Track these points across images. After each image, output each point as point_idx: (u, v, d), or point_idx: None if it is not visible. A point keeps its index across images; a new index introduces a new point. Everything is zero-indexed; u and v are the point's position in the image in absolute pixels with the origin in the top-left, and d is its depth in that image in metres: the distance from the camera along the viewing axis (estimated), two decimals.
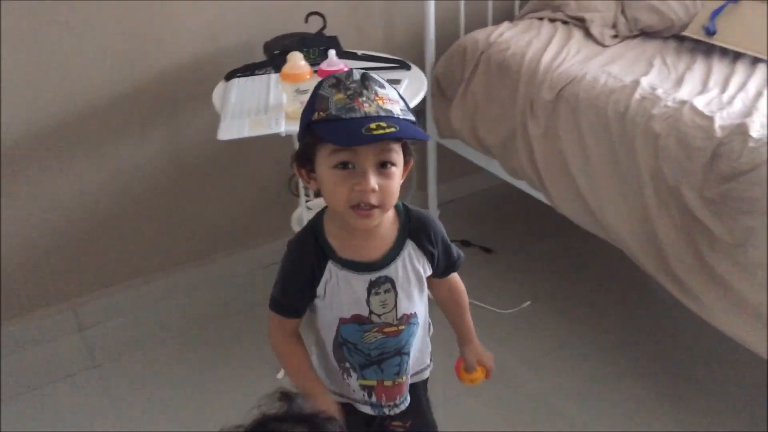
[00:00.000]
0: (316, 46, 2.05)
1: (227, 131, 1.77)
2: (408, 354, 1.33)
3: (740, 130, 1.67)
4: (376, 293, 1.25)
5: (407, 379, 1.37)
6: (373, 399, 1.35)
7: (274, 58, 2.09)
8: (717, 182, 1.68)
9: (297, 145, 1.24)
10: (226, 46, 2.24)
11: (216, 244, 2.52)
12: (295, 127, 1.81)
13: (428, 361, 1.44)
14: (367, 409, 1.37)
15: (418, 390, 1.45)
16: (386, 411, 1.37)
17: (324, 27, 2.13)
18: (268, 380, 2.14)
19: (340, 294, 1.24)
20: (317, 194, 1.26)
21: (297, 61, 1.81)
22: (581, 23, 2.33)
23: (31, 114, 2.08)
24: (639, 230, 1.86)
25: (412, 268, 1.27)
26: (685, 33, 2.21)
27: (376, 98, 1.11)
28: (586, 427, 1.97)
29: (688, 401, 2.03)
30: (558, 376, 2.14)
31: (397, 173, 1.17)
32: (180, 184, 2.37)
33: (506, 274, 2.55)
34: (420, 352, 1.39)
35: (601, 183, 1.94)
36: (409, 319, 1.30)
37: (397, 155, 1.15)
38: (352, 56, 1.96)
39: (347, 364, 1.32)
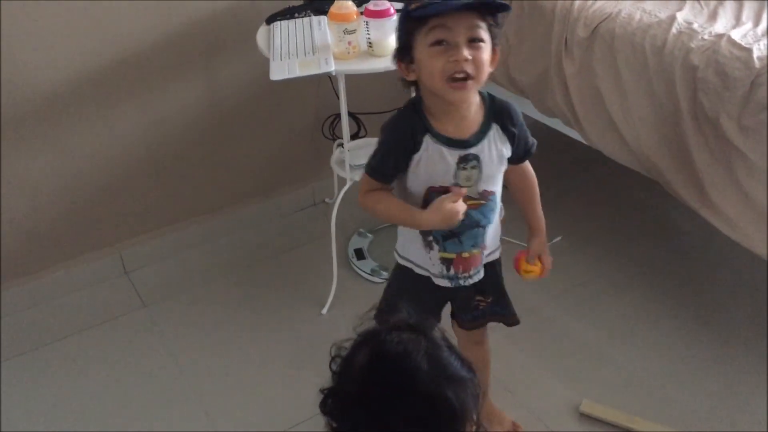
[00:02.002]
0: None
1: (278, 72, 1.81)
2: (485, 228, 1.49)
3: None
4: (463, 168, 1.40)
5: (483, 252, 1.52)
6: (451, 272, 1.51)
7: (312, 2, 2.13)
8: (755, 111, 1.73)
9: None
10: None
11: (253, 188, 2.57)
12: (342, 67, 1.89)
13: (499, 243, 1.58)
14: (445, 282, 1.52)
15: (496, 267, 1.60)
16: (461, 282, 1.52)
17: None
18: (314, 317, 2.22)
19: (434, 165, 1.39)
20: (415, 86, 1.41)
21: (345, 1, 1.85)
22: None
23: (70, 63, 2.11)
24: (676, 161, 1.92)
25: (496, 148, 1.43)
26: None
27: None
28: (616, 359, 2.04)
29: (719, 331, 2.11)
30: (586, 308, 2.21)
31: (486, 49, 1.32)
32: (218, 130, 2.41)
33: None
34: (494, 232, 1.54)
35: (637, 116, 1.99)
36: (488, 196, 1.46)
37: (485, 33, 1.32)
38: None
39: (430, 237, 1.47)
